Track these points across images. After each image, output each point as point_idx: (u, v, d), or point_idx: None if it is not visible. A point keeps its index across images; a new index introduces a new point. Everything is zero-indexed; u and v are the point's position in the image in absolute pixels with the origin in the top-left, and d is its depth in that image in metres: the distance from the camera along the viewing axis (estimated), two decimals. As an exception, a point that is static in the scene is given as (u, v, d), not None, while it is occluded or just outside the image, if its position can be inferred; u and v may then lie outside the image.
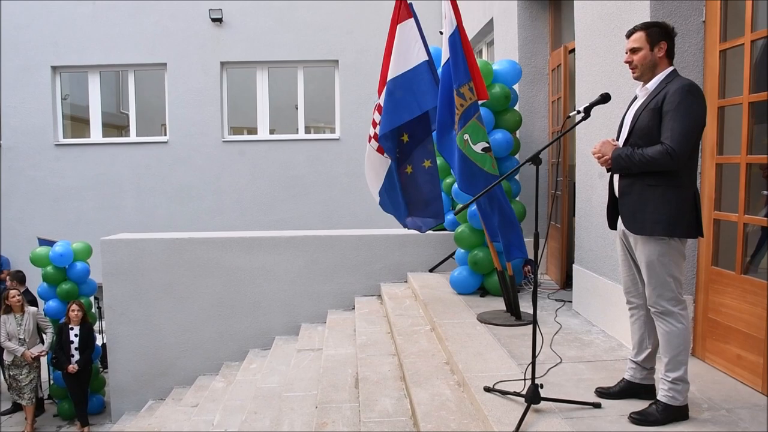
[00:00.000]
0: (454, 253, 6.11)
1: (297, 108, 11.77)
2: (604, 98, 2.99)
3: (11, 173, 11.40)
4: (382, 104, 5.03)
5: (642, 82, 2.89)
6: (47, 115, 11.36)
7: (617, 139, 2.96)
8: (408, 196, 5.29)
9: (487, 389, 3.27)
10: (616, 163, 2.81)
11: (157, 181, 11.20)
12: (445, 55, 4.71)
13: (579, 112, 3.03)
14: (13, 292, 7.20)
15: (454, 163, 4.71)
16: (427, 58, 4.90)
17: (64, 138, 11.62)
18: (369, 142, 5.35)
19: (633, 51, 2.84)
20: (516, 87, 5.93)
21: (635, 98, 2.94)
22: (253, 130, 12.84)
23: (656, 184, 2.74)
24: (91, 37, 11.23)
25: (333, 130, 11.71)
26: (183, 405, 6.44)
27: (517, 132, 5.84)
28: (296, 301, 6.88)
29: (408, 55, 4.92)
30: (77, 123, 13.45)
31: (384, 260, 6.54)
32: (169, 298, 7.02)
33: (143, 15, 11.16)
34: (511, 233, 4.73)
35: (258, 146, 11.31)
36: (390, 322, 5.31)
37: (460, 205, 3.44)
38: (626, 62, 2.89)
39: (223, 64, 11.27)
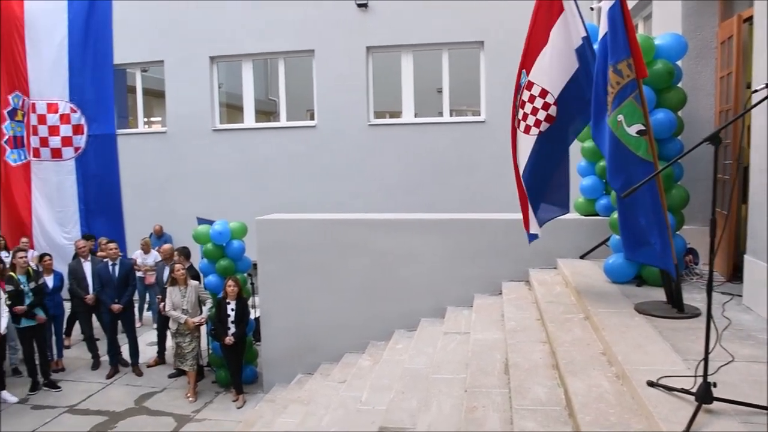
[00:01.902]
0: (608, 239, 5.83)
1: (440, 91, 11.74)
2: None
3: (173, 157, 12.29)
4: (534, 81, 4.82)
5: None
6: (205, 103, 12.11)
7: None
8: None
9: (651, 384, 3.08)
10: None
11: (305, 164, 11.62)
12: (602, 29, 4.41)
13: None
14: (178, 266, 7.76)
15: (605, 147, 4.42)
16: (585, 34, 4.65)
17: (220, 124, 12.34)
18: (517, 124, 5.11)
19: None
20: (680, 63, 5.53)
21: None
22: (395, 114, 12.97)
23: None
24: (244, 27, 11.81)
25: (476, 113, 11.57)
26: (331, 380, 6.65)
27: (680, 111, 5.45)
28: (442, 283, 6.88)
29: (574, 34, 4.67)
30: (230, 110, 14.25)
31: (533, 245, 6.35)
32: (318, 277, 7.26)
33: (292, 4, 11.55)
34: (653, 234, 4.32)
35: (402, 130, 11.41)
36: (540, 309, 5.17)
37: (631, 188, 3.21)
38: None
39: (368, 48, 11.44)
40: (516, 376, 3.96)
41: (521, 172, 5.07)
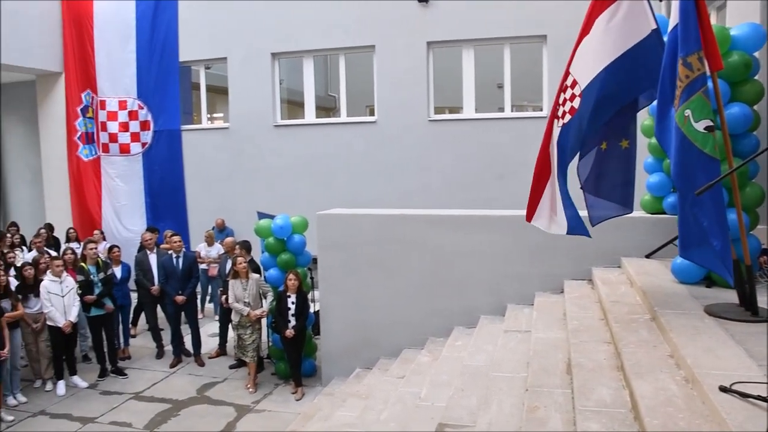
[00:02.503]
0: (675, 238, 5.63)
1: (500, 87, 11.59)
2: None
3: (235, 153, 12.52)
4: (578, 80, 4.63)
5: None
6: (267, 99, 12.28)
7: None
8: (598, 176, 4.88)
9: (723, 389, 2.95)
10: None
11: (365, 160, 11.66)
12: (673, 21, 4.23)
13: None
14: (240, 259, 7.90)
15: (670, 143, 4.23)
16: (655, 26, 4.47)
17: (281, 119, 12.50)
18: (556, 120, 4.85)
19: None
20: (757, 54, 5.28)
21: None
22: (454, 110, 12.88)
23: None
24: (306, 23, 11.89)
25: (536, 109, 11.38)
26: (389, 376, 6.66)
27: (757, 105, 5.21)
28: (502, 281, 6.80)
29: (635, 26, 4.48)
30: (291, 106, 14.42)
31: (596, 243, 6.19)
32: (378, 272, 7.28)
33: (353, 1, 11.57)
34: (715, 235, 4.05)
35: (463, 125, 11.31)
36: (604, 309, 5.04)
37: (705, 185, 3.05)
38: None
39: (429, 44, 11.37)
40: (579, 377, 3.88)
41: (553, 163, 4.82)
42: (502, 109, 11.54)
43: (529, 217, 5.01)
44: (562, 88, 4.70)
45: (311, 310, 8.12)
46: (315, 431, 6.10)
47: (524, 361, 4.80)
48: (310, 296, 8.11)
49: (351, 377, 7.35)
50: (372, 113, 12.50)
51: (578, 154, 4.86)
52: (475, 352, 5.73)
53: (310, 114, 12.43)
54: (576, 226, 4.75)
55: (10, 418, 7.30)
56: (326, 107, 16.46)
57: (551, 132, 4.77)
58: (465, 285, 6.97)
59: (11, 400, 7.64)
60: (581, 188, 5.00)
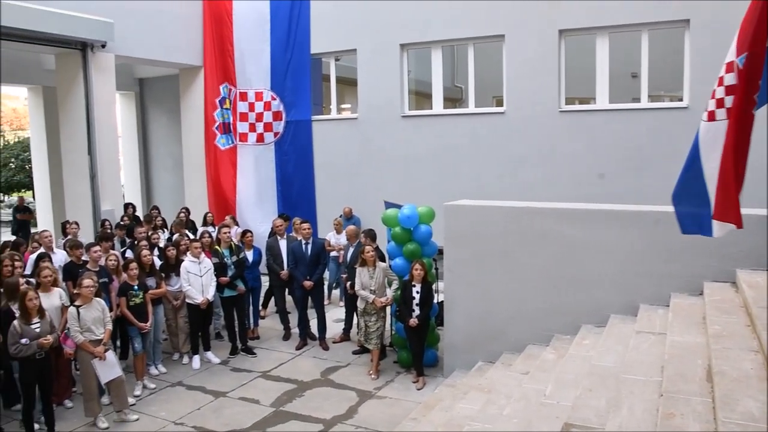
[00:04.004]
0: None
1: (635, 76, 11.05)
2: None
3: (364, 143, 12.75)
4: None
5: None
6: (395, 90, 12.40)
7: None
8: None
9: None
10: None
11: (492, 151, 11.51)
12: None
13: None
14: (368, 248, 8.03)
15: None
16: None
17: (409, 110, 12.59)
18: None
19: None
20: None
21: None
22: (584, 100, 12.43)
23: None
24: (435, 14, 11.88)
25: (675, 99, 10.75)
26: (512, 371, 6.55)
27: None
28: (634, 279, 6.48)
29: None
30: (418, 97, 14.48)
31: (741, 243, 5.79)
32: (504, 265, 7.18)
33: (482, -10, 11.43)
34: None
35: (595, 116, 10.89)
36: (751, 314, 4.69)
37: None
38: None
39: (560, 32, 11.02)
40: (722, 386, 3.63)
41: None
42: (637, 100, 11.00)
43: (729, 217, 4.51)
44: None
45: (435, 300, 8.12)
46: (436, 421, 6.12)
47: (658, 365, 4.56)
48: (434, 287, 8.12)
49: (473, 370, 7.29)
50: (498, 104, 12.32)
51: None
52: (605, 352, 5.51)
53: (437, 105, 12.43)
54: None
55: (153, 385, 7.90)
56: (452, 98, 16.39)
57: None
58: (594, 282, 6.71)
59: (153, 370, 8.26)
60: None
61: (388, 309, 8.31)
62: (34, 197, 20.16)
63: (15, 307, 6.44)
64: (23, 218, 13.11)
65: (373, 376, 8.03)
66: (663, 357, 4.55)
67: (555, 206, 7.16)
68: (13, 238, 10.58)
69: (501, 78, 11.73)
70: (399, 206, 8.37)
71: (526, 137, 11.23)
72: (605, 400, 4.49)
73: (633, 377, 4.49)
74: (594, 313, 6.66)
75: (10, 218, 25.62)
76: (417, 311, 7.60)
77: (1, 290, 6.93)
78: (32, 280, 7.27)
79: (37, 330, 6.25)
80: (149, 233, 9.53)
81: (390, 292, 8.10)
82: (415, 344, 7.77)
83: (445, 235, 7.56)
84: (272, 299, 10.39)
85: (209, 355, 8.80)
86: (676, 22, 10.34)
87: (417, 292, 7.61)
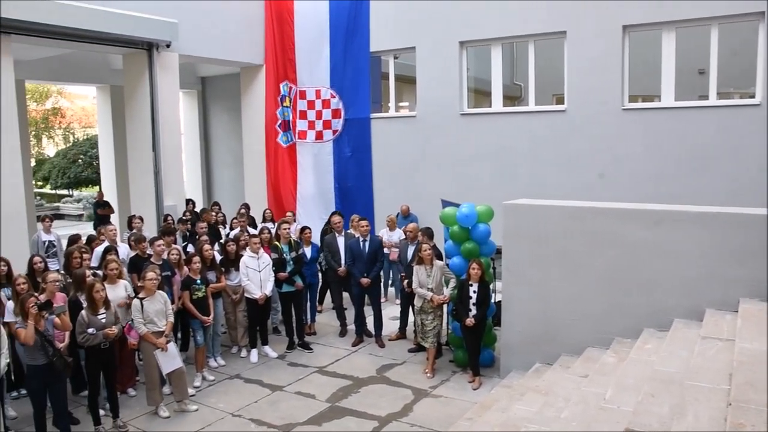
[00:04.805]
0: None
1: (701, 72, 10.69)
2: None
3: (422, 141, 12.72)
4: None
5: None
6: (454, 88, 12.32)
7: None
8: None
9: None
10: None
11: (551, 150, 11.32)
12: None
13: None
14: (425, 246, 8.01)
15: None
16: None
17: (468, 108, 12.50)
18: None
19: None
20: None
21: None
22: (647, 98, 12.12)
23: None
24: (495, 11, 11.74)
25: (746, 96, 10.34)
26: (571, 373, 6.45)
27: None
28: (700, 283, 6.28)
29: None
30: (476, 95, 14.37)
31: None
32: (563, 266, 7.07)
33: (543, -14, 11.24)
34: None
35: (659, 114, 10.55)
36: (829, 322, 4.50)
37: None
38: None
39: (625, 27, 10.73)
40: (797, 397, 3.49)
41: None
42: (704, 97, 10.62)
43: None
44: None
45: (492, 300, 8.06)
46: (492, 422, 6.07)
47: (726, 372, 4.41)
48: (492, 286, 8.05)
49: (530, 371, 7.20)
50: (558, 102, 12.11)
51: None
52: (668, 357, 5.36)
53: (497, 103, 12.31)
54: None
55: (212, 377, 8.08)
56: (511, 96, 16.21)
57: None
58: (657, 285, 6.54)
59: (212, 362, 8.45)
60: None
61: (445, 308, 8.28)
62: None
63: (83, 298, 6.69)
64: (104, 213, 13.59)
65: (428, 374, 8.01)
66: (731, 364, 4.40)
67: (619, 206, 7.01)
68: (88, 232, 10.99)
69: (561, 75, 11.51)
70: (456, 205, 8.32)
71: (588, 136, 10.99)
72: (668, 407, 4.37)
73: (698, 384, 4.36)
74: (657, 317, 6.49)
75: (80, 212, 26.74)
76: (474, 311, 7.54)
77: (71, 281, 7.22)
78: (99, 272, 7.54)
79: (103, 320, 6.48)
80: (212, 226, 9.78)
81: (447, 291, 8.07)
82: (471, 344, 7.72)
83: (503, 234, 7.48)
84: (328, 295, 10.49)
85: (267, 349, 8.94)
86: (749, 15, 9.90)
87: (474, 292, 7.55)
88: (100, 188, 16.37)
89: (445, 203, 8.92)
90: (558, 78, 11.67)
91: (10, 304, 6.63)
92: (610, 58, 10.80)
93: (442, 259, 8.51)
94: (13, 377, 7.03)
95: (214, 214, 11.04)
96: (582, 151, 11.03)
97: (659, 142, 10.47)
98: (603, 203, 7.36)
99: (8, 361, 6.08)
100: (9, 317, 6.48)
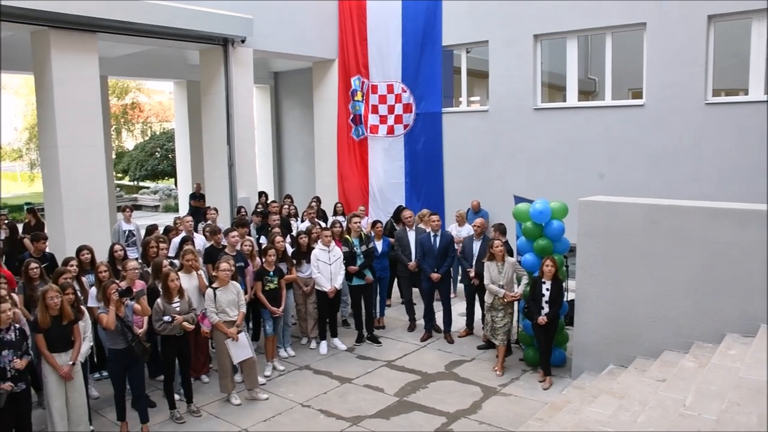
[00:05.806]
0: None
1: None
2: None
3: (494, 135, 12.54)
4: None
5: None
6: (527, 82, 12.09)
7: None
8: None
9: None
10: None
11: (629, 145, 10.95)
12: None
13: None
14: (497, 242, 7.90)
15: None
16: None
17: (541, 103, 12.25)
18: None
19: None
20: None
21: None
22: (731, 92, 11.57)
23: None
24: (570, 3, 11.43)
25: None
26: (647, 377, 6.22)
27: None
28: (792, 287, 5.97)
29: None
30: (549, 89, 14.08)
31: None
32: (641, 266, 6.83)
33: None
34: None
35: (746, 109, 10.03)
36: None
37: None
38: None
39: (710, 17, 10.24)
40: None
41: None
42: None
43: None
44: None
45: (565, 299, 7.89)
46: (564, 423, 5.93)
47: (820, 382, 4.17)
48: (565, 285, 7.88)
49: (603, 373, 7.01)
50: (635, 96, 11.72)
51: None
52: (754, 364, 5.11)
53: (572, 97, 12.01)
54: None
55: (282, 367, 8.23)
56: (585, 90, 15.79)
57: None
58: (743, 288, 6.23)
59: (282, 353, 8.62)
60: None
61: (516, 305, 8.16)
62: (176, 185, 21.57)
63: (160, 286, 6.91)
64: (197, 205, 14.03)
65: (498, 372, 7.92)
66: (826, 373, 4.16)
67: (703, 204, 6.72)
68: (161, 222, 11.36)
69: (638, 69, 11.11)
70: (529, 201, 8.17)
71: (668, 131, 10.58)
72: (756, 417, 4.18)
73: (789, 393, 4.14)
74: (741, 322, 6.21)
75: (156, 203, 27.70)
76: (546, 309, 7.41)
77: (149, 270, 7.47)
78: (175, 261, 7.77)
79: (177, 309, 6.69)
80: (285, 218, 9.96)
81: (519, 288, 7.94)
82: (543, 343, 7.58)
83: (578, 231, 7.29)
84: (394, 289, 10.50)
85: (336, 341, 9.02)
86: None
87: (547, 290, 7.42)
88: (176, 181, 16.78)
89: (518, 199, 8.79)
90: (635, 71, 11.29)
91: (93, 290, 6.94)
92: (692, 50, 10.32)
93: (512, 256, 8.38)
94: (95, 359, 7.34)
95: (286, 207, 11.20)
96: (662, 147, 10.62)
97: (747, 139, 9.94)
98: (686, 201, 7.06)
99: (92, 344, 6.36)
100: (92, 303, 6.79)
